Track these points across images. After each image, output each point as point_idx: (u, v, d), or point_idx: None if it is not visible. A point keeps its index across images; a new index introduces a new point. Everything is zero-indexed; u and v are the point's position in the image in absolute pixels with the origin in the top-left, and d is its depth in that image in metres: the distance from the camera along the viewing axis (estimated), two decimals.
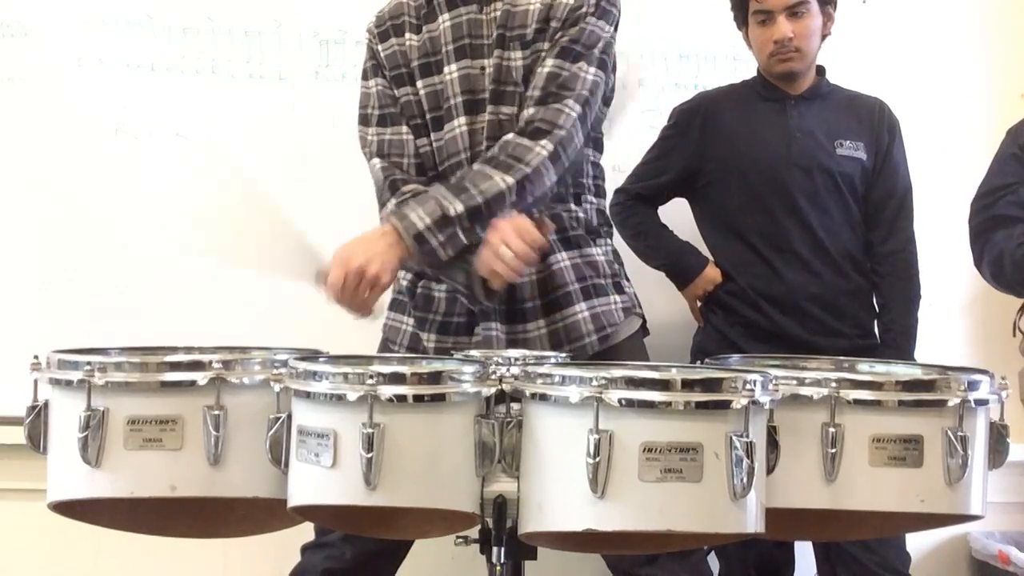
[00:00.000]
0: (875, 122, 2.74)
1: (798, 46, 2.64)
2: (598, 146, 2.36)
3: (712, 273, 2.75)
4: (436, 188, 2.10)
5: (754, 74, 2.78)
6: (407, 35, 2.28)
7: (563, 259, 2.25)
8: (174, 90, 2.97)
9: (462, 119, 2.22)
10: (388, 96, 2.28)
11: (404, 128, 2.27)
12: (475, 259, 2.03)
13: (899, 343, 2.67)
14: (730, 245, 2.73)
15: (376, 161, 2.27)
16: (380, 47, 2.29)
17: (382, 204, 2.25)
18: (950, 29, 3.15)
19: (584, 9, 2.19)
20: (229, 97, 2.98)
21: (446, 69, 2.23)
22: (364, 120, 2.31)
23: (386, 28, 2.30)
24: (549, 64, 2.17)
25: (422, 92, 2.26)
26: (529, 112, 2.14)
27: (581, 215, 2.29)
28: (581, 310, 2.24)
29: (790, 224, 2.66)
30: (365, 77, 2.33)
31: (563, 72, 2.15)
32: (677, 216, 2.83)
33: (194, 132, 2.97)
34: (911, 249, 2.73)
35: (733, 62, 3.00)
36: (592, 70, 2.17)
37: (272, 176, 2.96)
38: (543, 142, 2.10)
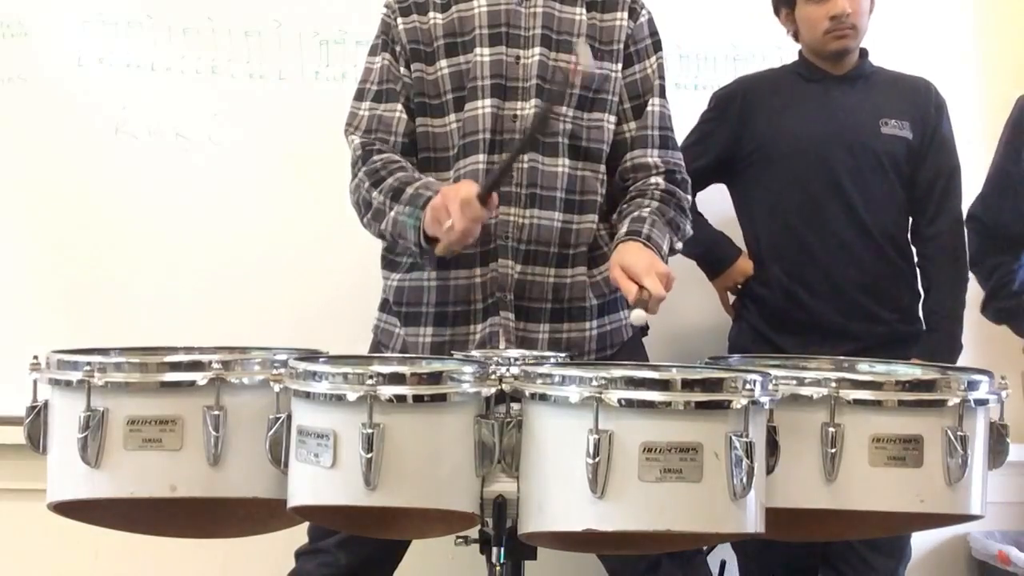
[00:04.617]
0: (922, 101, 2.70)
1: (854, 23, 2.62)
2: None
3: (744, 265, 2.72)
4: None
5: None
6: (431, 14, 2.26)
7: (586, 275, 2.25)
8: (174, 90, 2.96)
9: (487, 101, 2.20)
10: (392, 73, 2.26)
11: (399, 106, 2.24)
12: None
13: (945, 326, 2.62)
14: (768, 227, 2.68)
15: (355, 136, 2.25)
16: (400, 20, 2.26)
17: (354, 174, 2.22)
18: (947, 28, 3.15)
19: (649, 41, 2.31)
20: (229, 97, 2.97)
21: (477, 51, 2.22)
22: (360, 95, 2.29)
23: (408, 4, 2.27)
24: (657, 104, 2.30)
25: (446, 71, 2.24)
26: (658, 152, 2.28)
27: (607, 232, 2.28)
28: (591, 327, 2.25)
29: (832, 204, 2.61)
30: (373, 52, 2.30)
31: (666, 111, 2.32)
32: (710, 207, 2.81)
33: (194, 132, 2.97)
34: (958, 230, 2.68)
35: (733, 62, 3.01)
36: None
37: (272, 176, 2.97)
38: (687, 195, 2.31)
